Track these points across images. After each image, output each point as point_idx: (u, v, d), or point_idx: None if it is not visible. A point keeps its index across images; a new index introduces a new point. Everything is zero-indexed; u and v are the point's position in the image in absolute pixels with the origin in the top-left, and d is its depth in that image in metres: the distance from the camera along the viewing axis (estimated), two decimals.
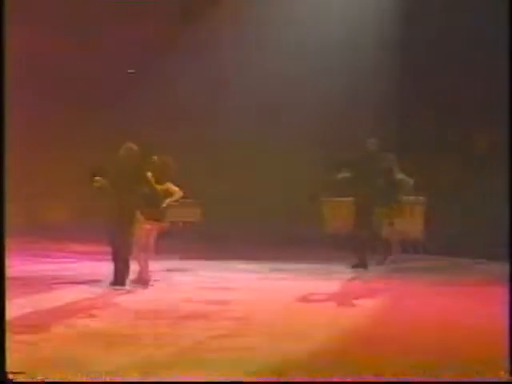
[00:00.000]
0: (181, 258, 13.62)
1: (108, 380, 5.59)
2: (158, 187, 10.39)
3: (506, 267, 8.90)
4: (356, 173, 12.21)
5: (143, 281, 10.35)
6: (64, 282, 10.70)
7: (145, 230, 10.39)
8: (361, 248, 12.40)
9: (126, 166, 10.15)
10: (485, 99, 14.56)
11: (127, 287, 10.08)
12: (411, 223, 14.99)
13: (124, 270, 10.10)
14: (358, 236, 12.43)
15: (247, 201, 17.66)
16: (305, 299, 9.53)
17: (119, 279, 10.08)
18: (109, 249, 10.22)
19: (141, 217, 10.31)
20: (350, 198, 12.89)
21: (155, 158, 10.58)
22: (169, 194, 10.55)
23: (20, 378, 5.40)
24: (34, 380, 5.52)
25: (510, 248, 9.87)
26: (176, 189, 10.61)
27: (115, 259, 10.12)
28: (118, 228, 9.98)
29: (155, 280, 10.70)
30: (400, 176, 12.46)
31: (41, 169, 20.42)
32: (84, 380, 5.58)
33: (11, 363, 5.33)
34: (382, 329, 7.72)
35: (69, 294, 9.68)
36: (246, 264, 13.07)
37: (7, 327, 5.32)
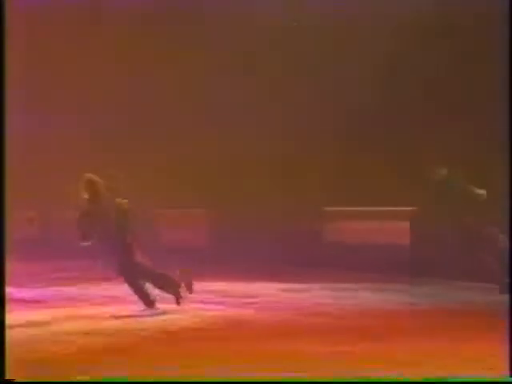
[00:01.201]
0: None
1: (108, 380, 5.61)
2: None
3: None
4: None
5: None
6: None
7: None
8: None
9: (99, 202, 9.46)
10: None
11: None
12: None
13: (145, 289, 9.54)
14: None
15: None
16: None
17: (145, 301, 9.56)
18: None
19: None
20: None
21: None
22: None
23: (20, 378, 5.43)
24: (34, 380, 5.55)
25: (510, 263, 9.88)
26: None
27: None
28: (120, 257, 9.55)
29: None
30: (476, 191, 11.73)
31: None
32: (84, 380, 5.60)
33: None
34: None
35: None
36: None
37: None
